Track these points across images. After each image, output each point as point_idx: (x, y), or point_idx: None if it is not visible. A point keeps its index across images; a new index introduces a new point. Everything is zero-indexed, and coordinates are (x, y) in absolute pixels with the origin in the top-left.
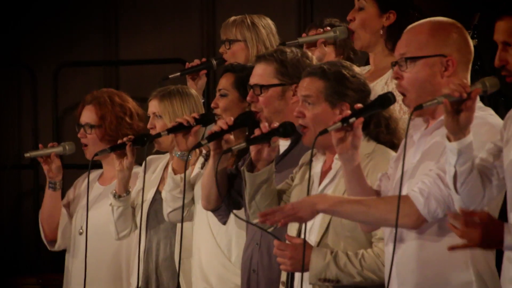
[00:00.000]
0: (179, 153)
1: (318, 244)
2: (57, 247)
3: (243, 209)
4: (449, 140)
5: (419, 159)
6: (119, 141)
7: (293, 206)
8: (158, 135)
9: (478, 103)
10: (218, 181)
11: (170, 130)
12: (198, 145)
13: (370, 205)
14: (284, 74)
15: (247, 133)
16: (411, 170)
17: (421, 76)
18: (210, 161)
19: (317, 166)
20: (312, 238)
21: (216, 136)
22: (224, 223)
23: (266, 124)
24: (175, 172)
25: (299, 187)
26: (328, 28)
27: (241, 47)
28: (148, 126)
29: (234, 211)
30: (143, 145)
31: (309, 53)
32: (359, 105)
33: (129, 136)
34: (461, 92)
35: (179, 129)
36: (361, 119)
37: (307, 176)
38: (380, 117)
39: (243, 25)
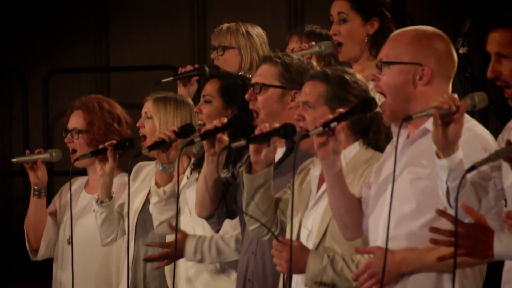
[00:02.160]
0: (160, 166)
1: (316, 248)
2: (40, 256)
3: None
4: (439, 157)
5: (402, 167)
6: (101, 146)
7: (374, 272)
8: (140, 154)
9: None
10: (212, 186)
11: (151, 147)
12: (191, 143)
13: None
14: (287, 78)
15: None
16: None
17: (394, 82)
18: (204, 163)
19: (315, 171)
20: (311, 244)
21: (210, 134)
22: (217, 231)
23: (267, 124)
24: (158, 185)
25: (296, 193)
26: (313, 43)
27: (235, 54)
28: (138, 124)
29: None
30: (125, 150)
31: (314, 63)
32: (341, 110)
33: (111, 141)
34: (450, 105)
35: (160, 145)
36: (342, 124)
37: (306, 181)
38: (380, 125)
39: (237, 33)
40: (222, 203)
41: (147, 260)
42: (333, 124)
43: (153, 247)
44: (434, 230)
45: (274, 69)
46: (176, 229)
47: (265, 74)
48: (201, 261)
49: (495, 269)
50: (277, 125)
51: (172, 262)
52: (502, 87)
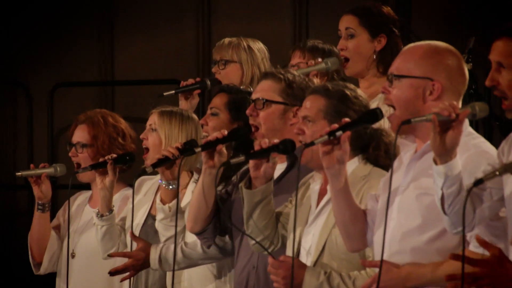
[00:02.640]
0: (164, 182)
1: (314, 265)
2: (43, 270)
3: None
4: (436, 163)
5: (409, 181)
6: (101, 159)
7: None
8: (144, 172)
9: (470, 130)
10: (208, 200)
11: (155, 165)
12: (192, 153)
13: (448, 268)
14: (289, 94)
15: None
16: (401, 193)
17: (405, 95)
18: (201, 176)
19: (315, 186)
20: (310, 260)
21: (211, 145)
22: (209, 247)
23: (267, 140)
24: (163, 202)
25: (297, 208)
26: (319, 59)
27: (236, 68)
28: (141, 136)
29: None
30: (125, 164)
31: (315, 80)
32: (346, 119)
33: (111, 155)
34: (450, 112)
35: (164, 162)
36: (348, 133)
37: (306, 195)
38: (380, 141)
39: (239, 47)
40: (216, 219)
41: (112, 273)
42: (338, 133)
43: (116, 257)
44: (451, 278)
45: (277, 85)
46: (175, 245)
47: (267, 89)
48: (168, 268)
49: None
50: (276, 140)
51: (136, 273)
52: (501, 99)
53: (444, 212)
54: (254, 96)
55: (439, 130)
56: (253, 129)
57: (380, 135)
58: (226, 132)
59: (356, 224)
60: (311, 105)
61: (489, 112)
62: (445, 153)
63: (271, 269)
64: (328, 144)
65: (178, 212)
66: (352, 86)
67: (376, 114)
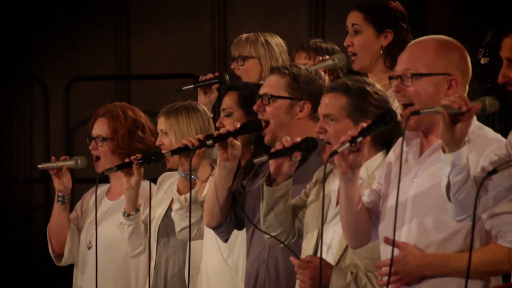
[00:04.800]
0: (183, 173)
1: (337, 263)
2: (64, 261)
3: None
4: (444, 151)
5: (424, 179)
6: (126, 160)
7: (397, 271)
8: (162, 156)
9: (477, 122)
10: (222, 191)
11: (174, 152)
12: (203, 145)
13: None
14: (295, 89)
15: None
16: (414, 189)
17: (425, 93)
18: (216, 170)
19: (334, 183)
20: (330, 257)
21: (222, 138)
22: (226, 240)
23: (289, 138)
24: (180, 192)
25: (315, 204)
26: (326, 56)
27: (255, 64)
28: (157, 143)
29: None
30: (149, 164)
31: (322, 73)
32: (364, 124)
33: (136, 155)
34: (461, 105)
35: (183, 150)
36: (368, 138)
37: (322, 193)
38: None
39: (257, 42)
40: (231, 212)
41: None
42: (359, 139)
43: (177, 252)
44: None
45: (283, 80)
46: (189, 235)
47: (273, 85)
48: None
49: None
50: (298, 139)
51: None
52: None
53: (449, 199)
54: (261, 92)
55: (449, 122)
56: (263, 124)
57: (401, 129)
58: (238, 125)
59: (364, 224)
60: (331, 102)
61: (499, 107)
62: (453, 143)
63: (298, 269)
64: (345, 151)
65: (191, 203)
66: (370, 81)
67: (391, 116)
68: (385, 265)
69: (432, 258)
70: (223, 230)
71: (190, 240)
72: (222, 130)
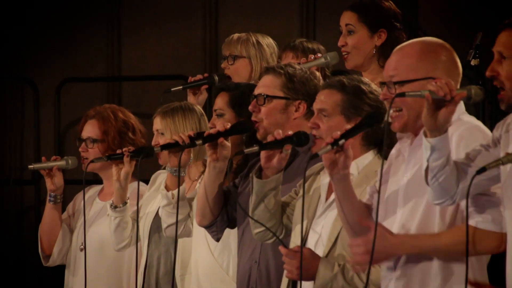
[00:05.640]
0: (171, 169)
1: (326, 256)
2: (52, 262)
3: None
4: (425, 135)
5: (410, 178)
6: (118, 151)
7: (369, 250)
8: (151, 149)
9: (463, 110)
10: (213, 192)
11: (164, 147)
12: (193, 145)
13: (441, 239)
14: (291, 89)
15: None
16: (405, 183)
17: (410, 99)
18: (206, 169)
19: (325, 178)
20: (320, 250)
21: (212, 138)
22: (218, 239)
23: (280, 131)
24: (167, 188)
25: (306, 198)
26: (319, 54)
27: (245, 64)
28: (153, 143)
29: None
30: (142, 158)
31: (317, 73)
32: (348, 127)
33: (129, 147)
34: (446, 93)
35: (173, 146)
36: (351, 141)
37: (314, 187)
38: (394, 137)
39: (248, 42)
40: (223, 212)
41: None
42: (341, 142)
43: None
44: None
45: (278, 80)
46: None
47: (268, 85)
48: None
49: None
50: (290, 132)
51: None
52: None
53: (427, 183)
54: (256, 92)
55: (432, 107)
56: (256, 125)
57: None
58: (228, 126)
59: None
60: (326, 98)
61: (484, 96)
62: (435, 129)
63: (285, 258)
64: (331, 153)
65: (179, 199)
66: (366, 80)
67: (376, 118)
68: (356, 244)
69: (403, 237)
70: (215, 229)
71: (176, 237)
72: (212, 130)
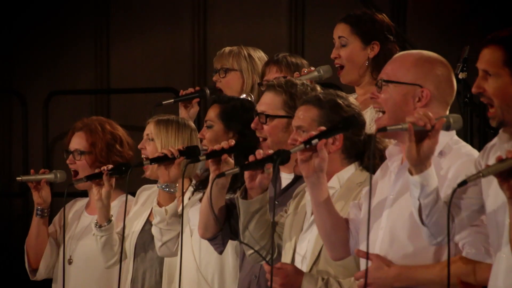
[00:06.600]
0: (162, 185)
1: (310, 270)
2: (39, 276)
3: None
4: (411, 173)
5: (398, 191)
6: (96, 170)
7: (371, 284)
8: (141, 164)
9: (457, 138)
10: (215, 207)
11: (153, 160)
12: (196, 160)
13: (436, 271)
14: (292, 107)
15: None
16: (391, 201)
17: (393, 99)
18: (209, 185)
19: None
20: (305, 265)
21: (215, 154)
22: (221, 252)
23: (261, 151)
24: (160, 204)
25: (291, 217)
26: (312, 68)
27: (237, 77)
28: (139, 146)
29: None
30: (122, 174)
31: (318, 87)
32: (322, 128)
33: (107, 165)
34: (426, 123)
35: (162, 160)
36: (324, 141)
37: (301, 204)
38: (375, 149)
39: (240, 56)
40: (226, 225)
41: None
42: (314, 141)
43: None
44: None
45: (278, 98)
46: (181, 250)
47: (269, 103)
48: None
49: None
50: (271, 151)
51: None
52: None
53: (422, 223)
54: (258, 110)
55: (414, 139)
56: (261, 140)
57: (374, 143)
58: (233, 143)
59: (338, 232)
60: (304, 115)
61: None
62: (419, 163)
63: (268, 276)
64: (306, 152)
65: (172, 216)
66: (343, 94)
67: (352, 122)
68: (363, 276)
69: (400, 269)
70: (218, 242)
71: (181, 252)
72: (216, 147)
